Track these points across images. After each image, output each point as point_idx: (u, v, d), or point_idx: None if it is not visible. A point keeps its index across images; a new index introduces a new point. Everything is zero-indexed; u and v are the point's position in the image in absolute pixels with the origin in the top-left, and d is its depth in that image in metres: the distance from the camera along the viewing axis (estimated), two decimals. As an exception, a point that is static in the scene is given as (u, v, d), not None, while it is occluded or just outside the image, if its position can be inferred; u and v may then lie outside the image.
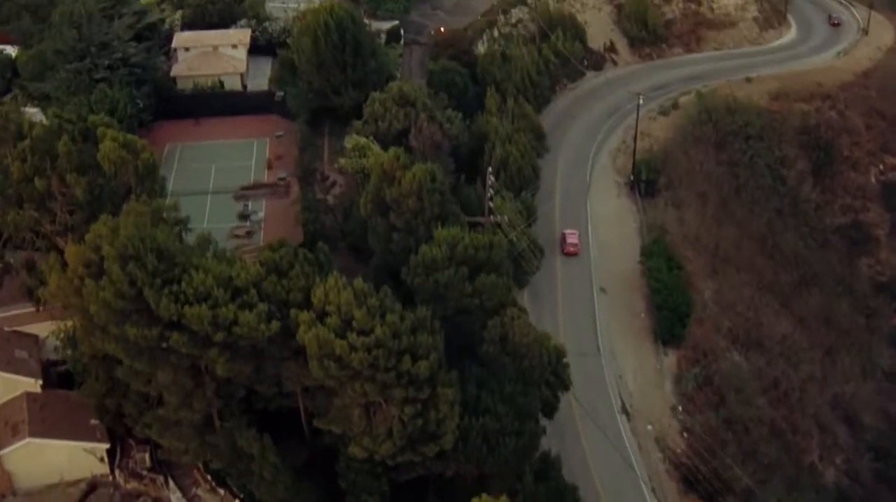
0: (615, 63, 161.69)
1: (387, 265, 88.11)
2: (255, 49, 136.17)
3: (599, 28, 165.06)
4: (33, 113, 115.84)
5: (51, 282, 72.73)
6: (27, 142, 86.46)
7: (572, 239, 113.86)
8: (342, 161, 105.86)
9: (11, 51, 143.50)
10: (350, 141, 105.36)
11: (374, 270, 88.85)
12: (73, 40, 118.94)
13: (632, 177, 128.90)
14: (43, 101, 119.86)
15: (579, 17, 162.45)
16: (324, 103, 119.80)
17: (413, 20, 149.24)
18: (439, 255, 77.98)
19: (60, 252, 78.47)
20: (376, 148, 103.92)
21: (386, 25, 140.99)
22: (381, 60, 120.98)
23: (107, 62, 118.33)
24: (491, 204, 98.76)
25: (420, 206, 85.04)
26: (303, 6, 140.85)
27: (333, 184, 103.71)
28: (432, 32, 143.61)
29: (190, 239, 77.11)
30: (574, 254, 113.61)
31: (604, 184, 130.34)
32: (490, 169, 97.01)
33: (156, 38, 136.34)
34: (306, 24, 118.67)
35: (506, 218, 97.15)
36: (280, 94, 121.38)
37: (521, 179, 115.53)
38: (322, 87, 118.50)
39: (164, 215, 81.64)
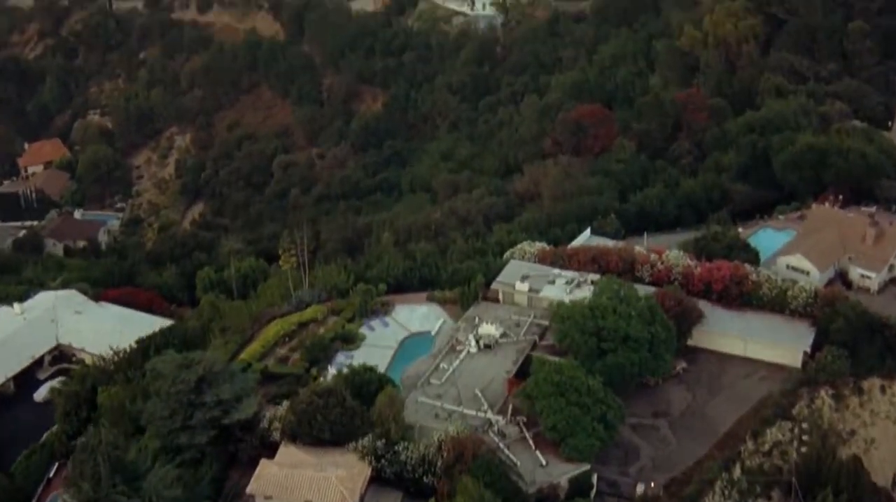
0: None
1: None
2: (379, 479, 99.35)
3: (889, 448, 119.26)
4: None
5: None
6: None
7: None
8: None
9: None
10: None
11: None
12: (87, 494, 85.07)
13: None
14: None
15: (862, 433, 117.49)
16: None
17: (619, 438, 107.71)
18: None
19: None
20: None
21: (569, 471, 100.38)
22: None
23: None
24: None
25: None
26: (456, 424, 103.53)
27: None
28: (639, 491, 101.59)
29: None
30: None
31: None
32: None
33: (247, 443, 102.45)
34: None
35: None
36: None
37: None
38: None
39: None
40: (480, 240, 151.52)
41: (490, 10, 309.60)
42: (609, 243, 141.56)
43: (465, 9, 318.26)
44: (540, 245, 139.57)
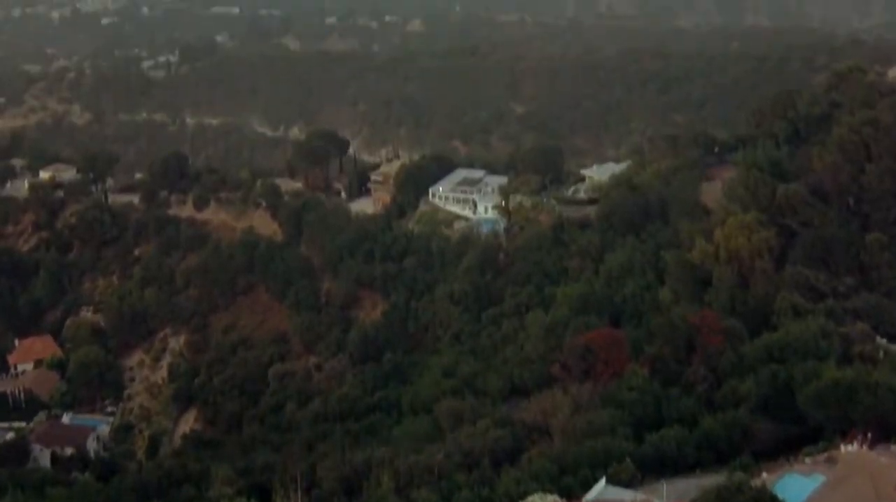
0: None
1: None
2: None
3: None
4: None
5: None
6: None
7: None
8: None
9: None
10: None
11: None
12: None
13: None
14: None
15: None
16: None
17: None
18: None
19: None
20: None
21: None
22: None
23: None
24: None
25: None
26: None
27: None
28: None
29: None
30: None
31: None
32: None
33: None
34: None
35: None
36: None
37: None
38: None
39: None
40: (487, 488, 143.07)
41: (492, 214, 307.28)
42: (626, 495, 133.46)
43: (467, 212, 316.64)
44: (552, 498, 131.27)
